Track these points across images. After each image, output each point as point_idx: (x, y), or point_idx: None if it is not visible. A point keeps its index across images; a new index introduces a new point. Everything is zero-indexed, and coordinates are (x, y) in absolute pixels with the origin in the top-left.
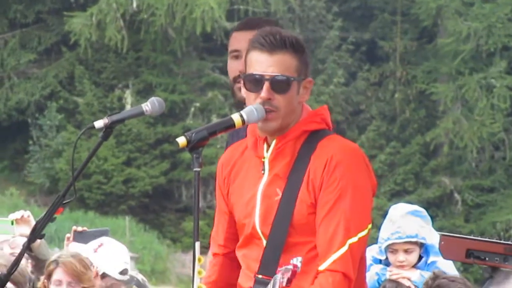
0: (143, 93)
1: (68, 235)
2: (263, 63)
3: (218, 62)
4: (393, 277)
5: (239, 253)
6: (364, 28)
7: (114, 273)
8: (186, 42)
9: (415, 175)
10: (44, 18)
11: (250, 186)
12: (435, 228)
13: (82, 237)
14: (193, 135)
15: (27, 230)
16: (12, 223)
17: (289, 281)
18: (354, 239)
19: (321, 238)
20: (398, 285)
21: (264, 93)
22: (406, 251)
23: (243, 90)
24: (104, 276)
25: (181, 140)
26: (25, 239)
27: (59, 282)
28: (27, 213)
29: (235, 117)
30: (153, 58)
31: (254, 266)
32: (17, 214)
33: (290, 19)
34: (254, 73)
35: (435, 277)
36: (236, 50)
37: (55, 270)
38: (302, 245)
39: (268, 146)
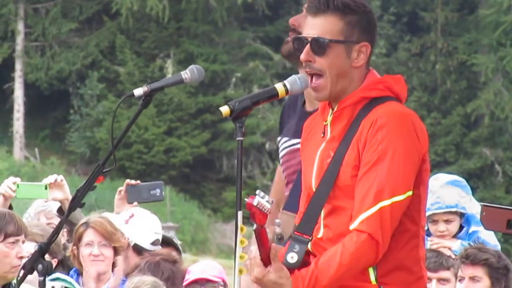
0: (184, 63)
1: (120, 188)
2: (307, 26)
3: (259, 32)
4: (434, 247)
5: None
6: None
7: (146, 244)
8: (227, 12)
9: (456, 146)
10: None
11: (313, 148)
12: (475, 199)
13: (135, 191)
14: (237, 104)
15: (60, 194)
16: (46, 188)
17: (251, 217)
18: (386, 202)
19: (355, 198)
20: (438, 255)
21: (303, 54)
22: (446, 221)
23: None
24: (135, 247)
25: (224, 109)
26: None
27: (91, 243)
28: (60, 177)
29: (279, 86)
30: (194, 28)
31: None
32: (50, 179)
33: None
34: (297, 35)
35: (468, 247)
36: None
37: (85, 232)
38: (347, 209)
39: (332, 110)
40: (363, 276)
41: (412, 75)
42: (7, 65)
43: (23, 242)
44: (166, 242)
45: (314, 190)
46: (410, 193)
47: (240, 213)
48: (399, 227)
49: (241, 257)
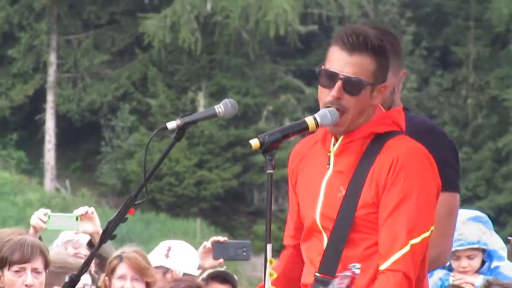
0: (216, 96)
1: (205, 243)
2: (340, 61)
3: (291, 66)
4: (456, 282)
5: (302, 247)
6: (437, 34)
7: (194, 270)
8: (259, 45)
9: (487, 181)
10: (118, 19)
11: (315, 178)
12: (506, 234)
13: (222, 248)
14: (267, 137)
15: (90, 227)
16: (77, 219)
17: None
18: (417, 240)
19: (383, 238)
20: None
21: (335, 91)
22: (468, 257)
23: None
24: (184, 275)
25: (254, 142)
26: (87, 238)
27: (124, 277)
28: (91, 209)
29: (309, 119)
30: (226, 61)
31: (316, 260)
32: (81, 210)
33: (364, 23)
34: (329, 69)
35: (489, 284)
36: None
37: (118, 265)
38: (361, 240)
39: (336, 140)
40: None
41: (443, 109)
42: (39, 96)
43: (33, 270)
44: (223, 278)
45: (318, 222)
46: (432, 227)
47: (269, 246)
48: None
49: None
